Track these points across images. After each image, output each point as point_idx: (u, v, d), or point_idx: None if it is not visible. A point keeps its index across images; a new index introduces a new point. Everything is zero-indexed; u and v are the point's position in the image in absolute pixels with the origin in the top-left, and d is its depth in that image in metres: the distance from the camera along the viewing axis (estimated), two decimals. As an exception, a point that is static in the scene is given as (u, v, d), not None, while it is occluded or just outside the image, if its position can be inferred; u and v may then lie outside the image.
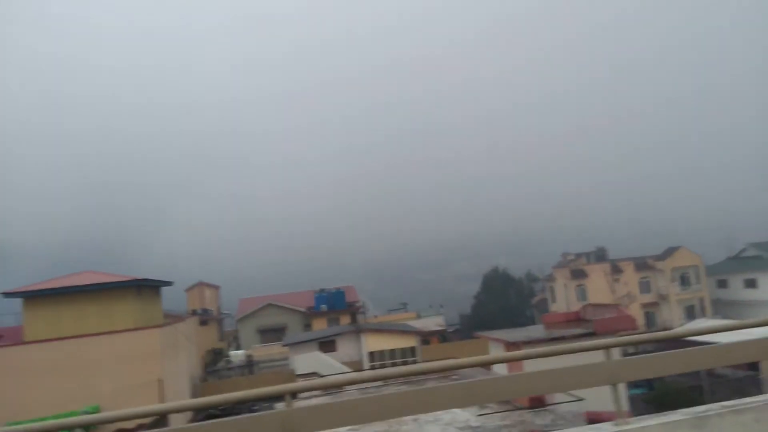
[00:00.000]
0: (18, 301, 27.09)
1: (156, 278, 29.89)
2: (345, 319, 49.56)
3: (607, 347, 5.27)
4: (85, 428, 19.61)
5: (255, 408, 25.33)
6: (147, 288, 28.42)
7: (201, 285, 56.41)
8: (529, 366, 15.81)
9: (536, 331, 26.14)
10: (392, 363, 34.85)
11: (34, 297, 25.28)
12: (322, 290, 53.27)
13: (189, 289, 55.53)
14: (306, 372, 31.81)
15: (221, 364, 42.13)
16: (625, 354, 17.26)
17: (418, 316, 55.86)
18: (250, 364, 38.22)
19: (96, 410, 22.86)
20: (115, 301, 26.16)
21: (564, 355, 5.24)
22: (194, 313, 48.73)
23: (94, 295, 25.84)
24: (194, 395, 30.88)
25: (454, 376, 21.46)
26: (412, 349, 35.35)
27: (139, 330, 25.24)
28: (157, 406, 4.19)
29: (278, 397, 4.52)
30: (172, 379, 25.96)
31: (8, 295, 26.34)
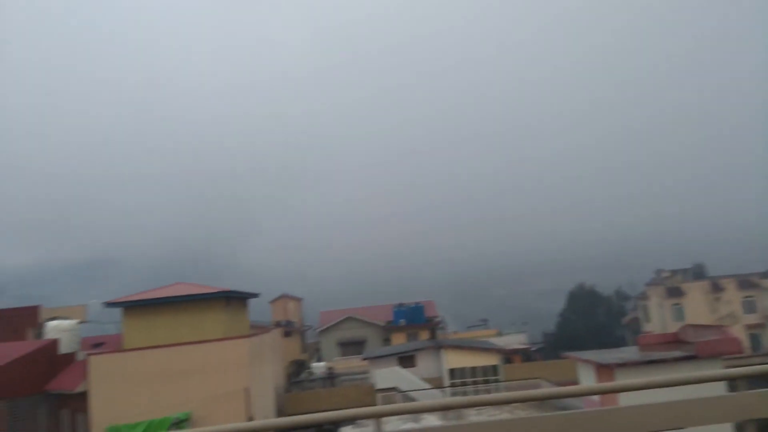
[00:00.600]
0: (118, 311, 29.02)
1: (243, 290, 30.93)
2: (424, 335, 49.08)
3: (732, 378, 4.64)
4: (178, 428, 20.35)
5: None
6: (235, 299, 29.47)
7: (284, 297, 57.94)
8: (625, 398, 14.72)
9: (630, 352, 24.53)
10: (473, 381, 34.01)
11: (132, 307, 26.85)
12: (400, 304, 53.14)
13: (273, 301, 57.18)
14: (386, 386, 31.69)
15: (304, 376, 42.88)
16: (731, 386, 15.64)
17: (500, 334, 54.39)
18: (331, 377, 38.63)
19: (188, 417, 23.83)
20: (206, 312, 27.28)
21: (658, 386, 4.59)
22: (278, 324, 50.09)
23: (186, 306, 27.08)
24: (278, 405, 31.56)
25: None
26: (494, 368, 34.33)
27: (228, 340, 26.11)
28: (243, 425, 4.11)
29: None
30: (258, 389, 26.61)
31: (110, 305, 28.19)
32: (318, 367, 45.12)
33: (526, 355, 45.71)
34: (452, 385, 33.08)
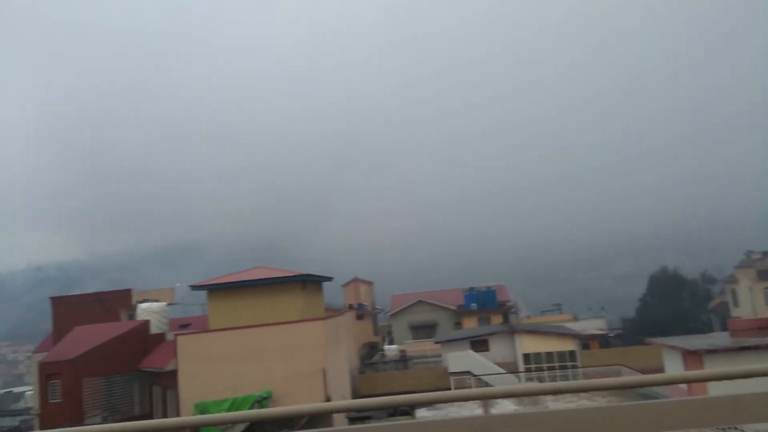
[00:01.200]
0: (202, 293, 30.51)
1: (318, 274, 31.65)
2: (496, 319, 48.47)
3: None
4: (262, 407, 21.24)
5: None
6: (311, 283, 30.24)
7: (356, 281, 58.87)
8: (715, 387, 13.84)
9: (720, 338, 23.15)
10: (549, 366, 33.30)
11: (216, 290, 28.12)
12: (471, 288, 52.68)
13: (345, 285, 58.25)
14: (459, 370, 31.62)
15: (376, 358, 43.53)
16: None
17: (575, 319, 52.75)
18: (404, 359, 38.99)
19: (269, 395, 24.81)
20: (284, 295, 28.15)
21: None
22: (350, 307, 51.03)
23: (265, 289, 28.04)
24: (353, 386, 32.26)
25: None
26: (571, 353, 33.42)
27: (306, 321, 26.86)
28: (352, 402, 4.13)
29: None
30: (334, 369, 27.28)
31: (195, 287, 29.65)
32: (390, 349, 45.63)
33: (604, 341, 44.15)
34: (527, 371, 32.55)
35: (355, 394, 32.08)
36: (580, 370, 32.09)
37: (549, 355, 33.19)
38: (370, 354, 46.11)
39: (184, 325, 34.58)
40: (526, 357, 32.96)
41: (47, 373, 25.52)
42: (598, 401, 16.37)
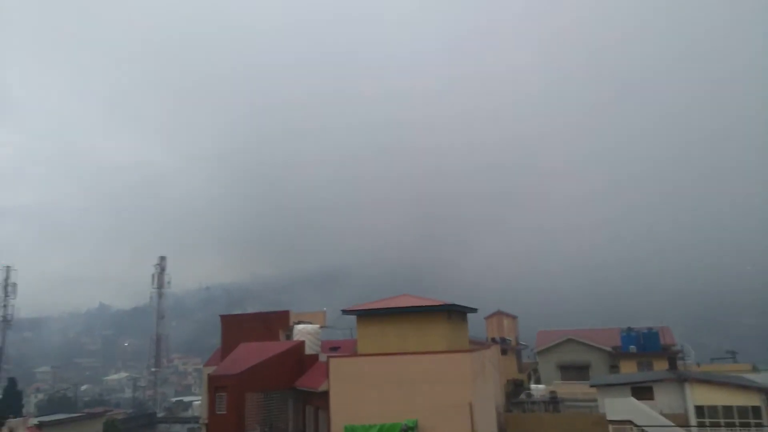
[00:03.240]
0: (351, 318, 31.54)
1: (463, 304, 31.18)
2: (659, 365, 43.80)
3: None
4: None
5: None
6: (456, 313, 29.85)
7: (499, 314, 57.18)
8: None
9: None
10: (727, 423, 29.19)
11: (365, 315, 28.87)
12: (630, 329, 48.36)
13: (488, 318, 56.83)
14: (619, 419, 28.92)
15: (522, 397, 41.50)
16: None
17: (755, 369, 45.95)
18: (554, 401, 36.66)
19: (415, 425, 24.65)
20: (429, 323, 28.01)
21: None
22: (493, 341, 49.49)
23: (412, 317, 28.15)
24: (499, 425, 30.94)
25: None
26: (755, 409, 28.96)
27: (453, 353, 26.46)
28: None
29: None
30: (481, 405, 26.40)
31: (346, 312, 30.74)
32: (537, 389, 43.28)
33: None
34: (700, 425, 28.81)
35: (502, 432, 30.75)
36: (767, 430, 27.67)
37: (727, 409, 29.10)
38: (515, 392, 44.13)
39: (333, 348, 35.91)
40: (699, 410, 29.19)
41: (215, 385, 27.86)
42: None
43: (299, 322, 33.71)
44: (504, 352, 48.40)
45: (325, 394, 26.67)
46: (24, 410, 69.16)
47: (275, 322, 35.80)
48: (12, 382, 70.56)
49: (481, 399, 27.08)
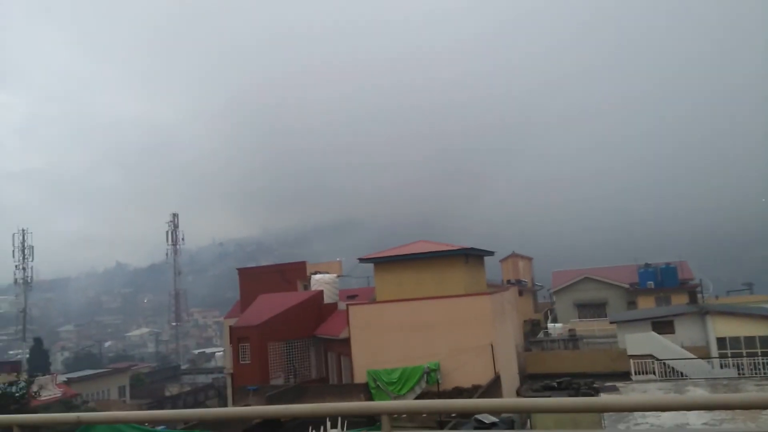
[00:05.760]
0: (367, 266, 31.44)
1: (480, 248, 30.89)
2: (677, 299, 43.74)
3: None
4: (430, 379, 21.19)
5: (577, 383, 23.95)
6: (473, 257, 29.60)
7: (514, 256, 57.12)
8: None
9: None
10: (749, 353, 29.16)
11: (382, 263, 28.71)
12: (647, 265, 48.11)
13: (503, 260, 56.79)
14: (639, 353, 28.97)
15: (540, 336, 41.82)
16: None
17: (774, 300, 45.78)
18: (573, 339, 36.87)
19: (437, 367, 24.82)
20: (447, 268, 27.84)
21: None
22: (509, 283, 49.57)
23: (429, 263, 27.97)
24: (519, 363, 31.20)
25: None
26: (778, 339, 28.86)
27: (471, 296, 26.37)
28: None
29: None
30: (501, 345, 26.50)
31: (362, 260, 30.58)
32: (555, 328, 43.56)
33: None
34: (722, 356, 28.80)
35: (522, 372, 31.02)
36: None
37: (749, 340, 29.01)
38: (533, 332, 44.46)
39: (351, 296, 36.05)
40: (721, 341, 29.13)
41: (238, 336, 28.11)
42: None
43: (316, 273, 33.69)
44: (520, 293, 48.52)
45: (346, 341, 26.86)
46: (51, 367, 71.21)
47: (292, 274, 35.87)
48: (38, 341, 72.43)
49: (502, 339, 27.15)
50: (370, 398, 24.78)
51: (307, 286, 33.96)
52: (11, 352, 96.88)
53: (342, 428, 12.92)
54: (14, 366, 50.60)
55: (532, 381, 26.41)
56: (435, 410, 3.31)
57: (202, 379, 66.48)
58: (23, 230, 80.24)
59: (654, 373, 27.29)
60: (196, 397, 52.33)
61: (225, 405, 39.66)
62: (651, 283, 45.62)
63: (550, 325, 45.38)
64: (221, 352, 64.78)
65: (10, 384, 26.58)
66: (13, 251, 79.63)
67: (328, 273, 33.72)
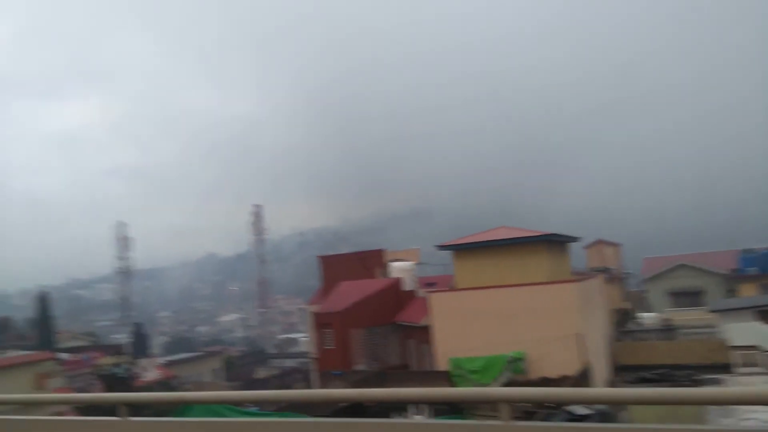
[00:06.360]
0: (445, 253, 31.12)
1: (564, 233, 29.74)
2: (785, 286, 40.21)
3: None
4: (515, 368, 20.71)
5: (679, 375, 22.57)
6: (556, 243, 28.56)
7: (600, 242, 54.72)
8: None
9: None
10: None
11: (461, 250, 28.31)
12: (749, 250, 44.58)
13: (588, 246, 54.53)
14: (743, 344, 26.87)
15: (631, 326, 39.85)
16: None
17: None
18: (668, 329, 34.82)
19: (522, 356, 24.23)
20: (528, 255, 27.00)
21: None
22: (595, 270, 47.56)
23: (509, 249, 27.24)
24: (610, 354, 29.86)
25: None
26: None
27: (555, 284, 25.47)
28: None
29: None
30: (590, 335, 25.43)
31: (441, 247, 30.31)
32: (647, 317, 41.40)
33: None
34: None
35: (613, 363, 29.66)
36: None
37: None
38: (622, 321, 42.45)
39: (429, 284, 35.91)
40: (841, 333, 26.42)
41: (321, 322, 28.80)
42: None
43: (394, 260, 33.82)
44: (608, 281, 46.41)
45: (427, 328, 26.79)
46: (151, 351, 76.49)
47: (371, 261, 36.22)
48: (139, 326, 78.00)
49: (590, 329, 26.04)
50: (453, 386, 24.60)
51: (385, 274, 34.19)
52: (115, 337, 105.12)
53: (426, 415, 12.86)
54: (118, 349, 54.74)
55: (625, 373, 25.22)
56: (540, 400, 3.09)
57: (288, 363, 68.96)
58: (122, 222, 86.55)
59: (760, 366, 25.23)
60: (283, 380, 54.41)
61: (311, 389, 40.88)
62: (755, 269, 42.20)
63: (641, 314, 43.16)
64: (305, 338, 66.91)
65: (115, 366, 28.72)
66: (114, 242, 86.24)
67: (406, 260, 33.76)
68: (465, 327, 25.82)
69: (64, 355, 43.30)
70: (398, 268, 32.46)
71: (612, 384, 23.60)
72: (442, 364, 25.56)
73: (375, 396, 3.30)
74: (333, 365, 27.19)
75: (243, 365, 66.32)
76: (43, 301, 61.29)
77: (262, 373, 62.26)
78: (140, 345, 71.87)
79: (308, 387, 46.94)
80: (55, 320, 67.67)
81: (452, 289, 28.34)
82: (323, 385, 26.24)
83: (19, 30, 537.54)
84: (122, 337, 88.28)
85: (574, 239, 31.58)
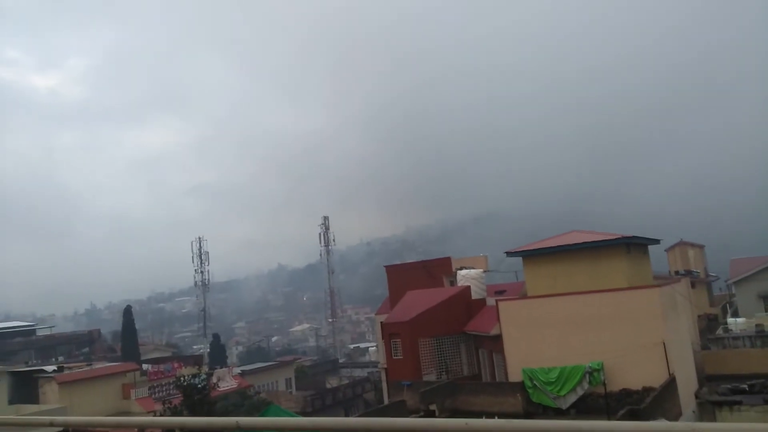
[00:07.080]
0: (514, 260, 30.15)
1: (643, 236, 28.11)
2: None
3: None
4: (593, 379, 19.57)
5: None
6: (635, 246, 27.01)
7: (683, 244, 51.59)
8: None
9: None
10: None
11: (533, 256, 27.30)
12: None
13: (669, 249, 51.55)
14: None
15: (719, 332, 37.06)
16: None
17: None
18: (761, 335, 32.11)
19: (600, 367, 22.98)
20: (604, 260, 25.67)
21: None
22: (678, 274, 44.80)
23: (584, 254, 26.00)
24: (696, 363, 27.85)
25: None
26: None
27: (636, 289, 24.09)
28: None
29: None
30: (675, 343, 23.82)
31: (510, 254, 29.43)
32: (736, 323, 38.34)
33: None
34: None
35: (699, 372, 27.63)
36: None
37: None
38: (709, 328, 39.63)
39: (499, 291, 34.91)
40: None
41: (390, 332, 28.59)
42: None
43: (461, 268, 33.18)
44: (692, 285, 43.54)
45: (498, 338, 25.97)
46: (228, 361, 79.05)
47: (438, 269, 35.73)
48: (216, 337, 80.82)
49: (675, 336, 24.39)
50: (527, 398, 23.69)
51: (453, 282, 33.58)
52: (195, 347, 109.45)
53: None
54: (197, 359, 56.83)
55: (714, 383, 23.39)
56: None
57: (358, 373, 69.24)
58: (200, 238, 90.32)
59: None
60: (354, 389, 54.61)
61: (381, 399, 40.63)
62: None
63: (730, 320, 40.07)
64: (374, 347, 66.98)
65: (194, 376, 29.70)
66: (192, 257, 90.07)
67: (473, 268, 33.03)
68: (538, 336, 24.83)
69: (147, 366, 45.44)
70: (465, 276, 31.80)
71: (698, 395, 21.91)
72: (514, 375, 24.68)
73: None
74: (402, 375, 26.89)
75: (314, 375, 67.20)
76: (127, 314, 64.69)
77: (333, 382, 62.81)
78: (218, 355, 74.41)
79: (379, 397, 46.81)
80: (138, 332, 71.32)
81: (523, 296, 27.38)
82: (393, 396, 25.95)
83: (104, 62, 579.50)
84: (201, 348, 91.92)
85: (653, 241, 29.84)
